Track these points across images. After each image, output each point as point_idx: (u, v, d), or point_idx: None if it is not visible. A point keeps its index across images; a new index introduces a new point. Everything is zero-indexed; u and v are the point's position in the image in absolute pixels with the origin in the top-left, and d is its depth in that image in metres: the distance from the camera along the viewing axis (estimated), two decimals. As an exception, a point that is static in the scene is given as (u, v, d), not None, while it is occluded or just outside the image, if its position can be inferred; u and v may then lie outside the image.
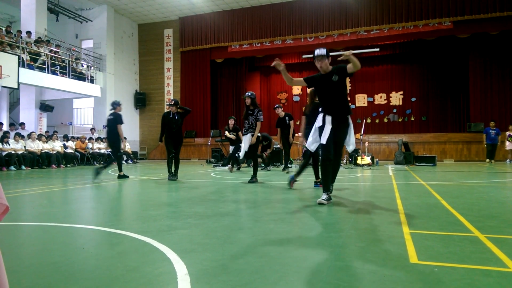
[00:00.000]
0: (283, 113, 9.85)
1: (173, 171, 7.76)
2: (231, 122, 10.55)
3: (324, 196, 4.42)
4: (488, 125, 14.25)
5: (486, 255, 2.32)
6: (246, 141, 7.12)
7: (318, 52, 4.59)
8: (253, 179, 6.96)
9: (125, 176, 8.13)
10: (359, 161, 11.99)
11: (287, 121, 9.69)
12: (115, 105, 8.33)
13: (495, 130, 13.84)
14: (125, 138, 8.50)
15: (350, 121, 4.63)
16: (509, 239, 2.71)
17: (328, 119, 4.51)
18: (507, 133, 13.87)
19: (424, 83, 18.27)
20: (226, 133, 10.76)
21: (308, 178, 7.28)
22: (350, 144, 4.62)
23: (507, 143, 13.85)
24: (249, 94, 7.14)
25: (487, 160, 14.09)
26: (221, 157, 13.65)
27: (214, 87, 20.41)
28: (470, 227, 3.05)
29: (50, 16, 16.75)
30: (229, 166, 10.01)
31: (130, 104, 20.32)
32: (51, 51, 15.15)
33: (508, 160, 14.04)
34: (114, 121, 8.05)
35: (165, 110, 8.20)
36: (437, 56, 17.94)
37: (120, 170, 8.19)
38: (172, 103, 7.98)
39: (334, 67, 4.58)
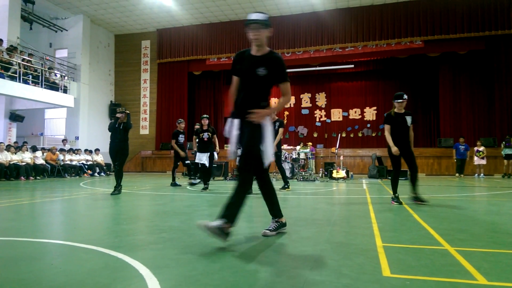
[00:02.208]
0: (276, 117, 8.27)
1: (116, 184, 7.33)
2: (205, 122, 8.48)
3: (217, 222, 2.96)
4: (458, 140, 14.76)
5: (455, 267, 2.38)
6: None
7: (254, 16, 3.13)
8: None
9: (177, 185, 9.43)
10: (334, 174, 12.14)
11: (276, 127, 8.12)
12: (177, 122, 9.73)
13: (464, 145, 14.34)
14: (184, 152, 9.55)
15: (265, 123, 3.15)
16: (477, 252, 2.79)
17: (236, 123, 3.26)
18: (476, 148, 14.39)
19: (397, 99, 18.80)
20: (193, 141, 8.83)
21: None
22: (265, 156, 3.16)
23: (476, 158, 14.36)
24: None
25: (457, 174, 14.54)
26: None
27: (192, 99, 20.36)
28: (441, 240, 3.13)
29: (23, 25, 16.36)
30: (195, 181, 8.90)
31: (105, 115, 19.95)
32: (23, 60, 14.76)
33: (476, 174, 14.53)
34: (172, 136, 9.55)
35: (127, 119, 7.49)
36: (409, 73, 18.56)
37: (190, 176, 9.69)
38: (123, 109, 7.54)
39: (270, 53, 3.20)
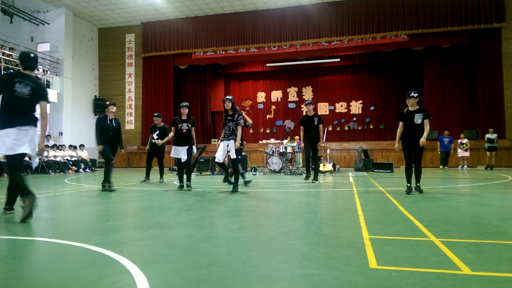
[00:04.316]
0: (313, 112, 8.51)
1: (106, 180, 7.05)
2: (184, 111, 7.30)
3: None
4: (442, 133, 14.99)
5: (440, 258, 2.42)
6: (224, 147, 6.72)
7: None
8: (235, 189, 6.59)
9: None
10: (321, 167, 12.21)
11: (315, 123, 8.33)
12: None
13: (448, 138, 14.56)
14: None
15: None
16: (462, 242, 2.85)
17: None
18: (459, 141, 14.64)
19: (382, 93, 19.01)
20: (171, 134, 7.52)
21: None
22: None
23: (459, 150, 14.61)
24: (230, 98, 6.78)
25: (441, 166, 14.78)
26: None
27: (178, 93, 20.18)
28: (426, 232, 3.18)
29: (3, 18, 15.93)
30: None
31: (89, 110, 19.66)
32: (4, 54, 14.40)
33: (460, 166, 14.80)
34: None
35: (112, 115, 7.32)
36: (394, 67, 18.74)
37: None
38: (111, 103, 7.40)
39: None
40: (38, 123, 4.24)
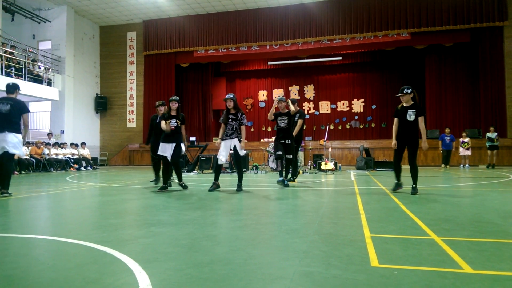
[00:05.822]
0: (297, 108, 8.09)
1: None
2: (174, 105, 6.67)
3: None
4: (444, 131, 14.96)
5: (441, 257, 2.42)
6: (227, 146, 6.54)
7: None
8: (240, 188, 6.54)
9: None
10: (323, 166, 12.21)
11: (296, 118, 7.96)
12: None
13: (450, 136, 14.53)
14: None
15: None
16: (463, 241, 2.84)
17: None
18: (461, 139, 14.61)
19: (384, 91, 18.98)
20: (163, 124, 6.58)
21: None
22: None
23: (461, 149, 14.58)
24: (232, 96, 6.60)
25: (442, 165, 14.75)
26: (186, 163, 13.37)
27: (179, 91, 20.18)
28: (427, 230, 3.18)
29: (5, 15, 15.96)
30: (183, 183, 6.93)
31: (91, 108, 19.69)
32: (5, 52, 14.42)
33: (461, 165, 14.77)
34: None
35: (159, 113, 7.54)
36: (396, 65, 18.71)
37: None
38: (161, 103, 7.70)
39: None
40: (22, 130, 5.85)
